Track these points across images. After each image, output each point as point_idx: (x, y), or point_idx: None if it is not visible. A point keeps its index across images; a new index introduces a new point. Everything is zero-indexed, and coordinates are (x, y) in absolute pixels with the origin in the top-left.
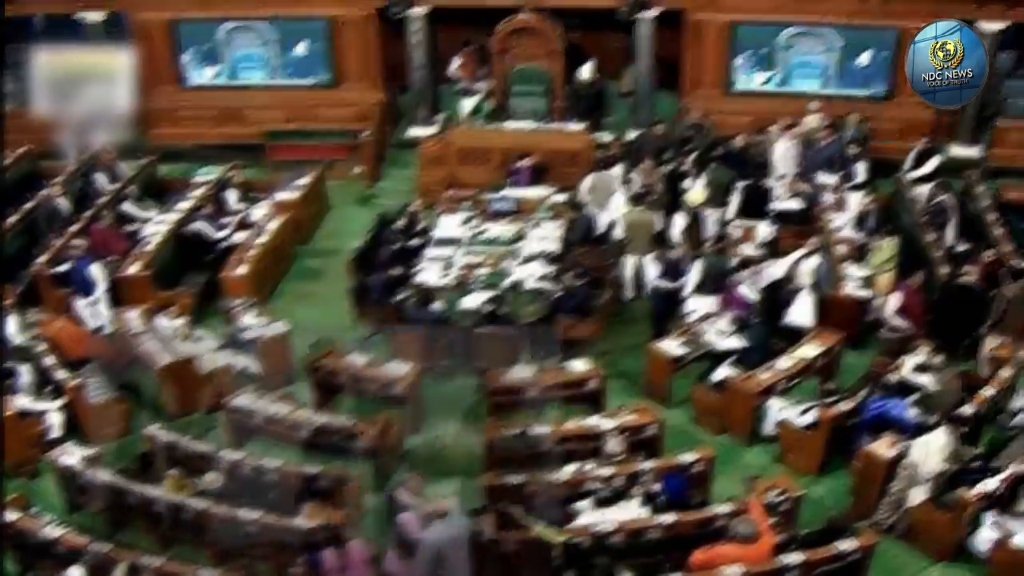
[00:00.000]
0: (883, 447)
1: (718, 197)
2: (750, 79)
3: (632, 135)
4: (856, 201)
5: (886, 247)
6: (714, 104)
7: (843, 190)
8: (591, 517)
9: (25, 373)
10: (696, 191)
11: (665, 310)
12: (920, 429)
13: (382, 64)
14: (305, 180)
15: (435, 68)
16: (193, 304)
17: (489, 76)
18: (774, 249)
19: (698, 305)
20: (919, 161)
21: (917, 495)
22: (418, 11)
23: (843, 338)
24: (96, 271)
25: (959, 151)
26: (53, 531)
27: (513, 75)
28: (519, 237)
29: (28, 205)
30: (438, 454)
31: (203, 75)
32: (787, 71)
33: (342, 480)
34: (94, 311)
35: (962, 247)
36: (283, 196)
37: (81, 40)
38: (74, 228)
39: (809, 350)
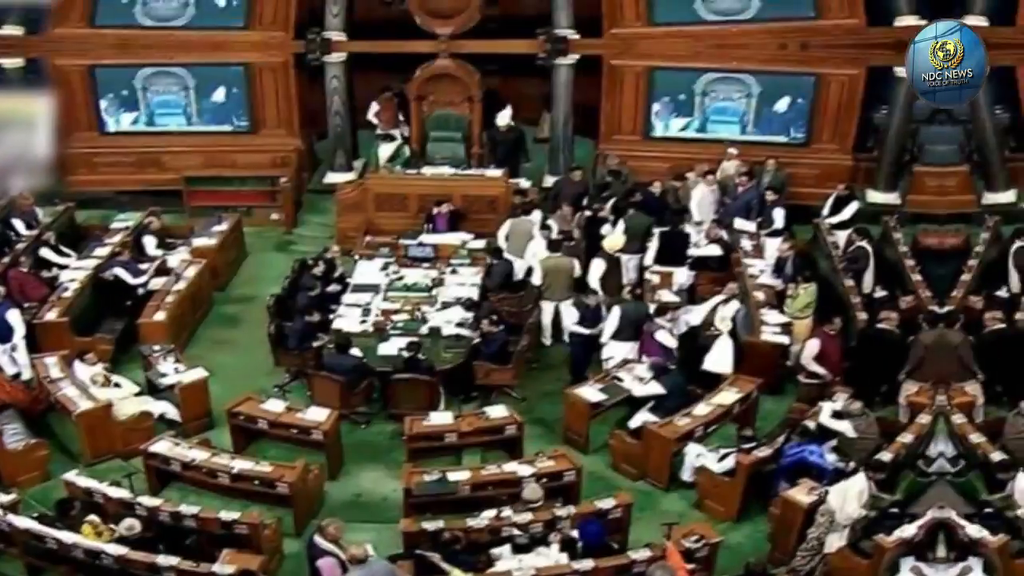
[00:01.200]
0: (801, 493)
1: (636, 243)
2: (668, 125)
3: (550, 181)
4: (774, 247)
5: (804, 293)
6: (632, 150)
7: (761, 236)
8: (508, 563)
9: None
10: (614, 237)
11: (583, 356)
12: (838, 475)
13: (300, 110)
14: (223, 226)
15: (353, 114)
16: (111, 350)
17: (407, 122)
18: (692, 295)
19: (616, 351)
20: (837, 207)
21: (835, 541)
22: (336, 57)
23: (761, 384)
24: (14, 317)
25: (877, 197)
26: None
27: (431, 121)
28: (437, 283)
29: None
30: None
31: (121, 121)
32: (705, 117)
33: (261, 526)
34: (12, 357)
35: (880, 293)
36: (201, 242)
37: None
38: None
39: (727, 396)
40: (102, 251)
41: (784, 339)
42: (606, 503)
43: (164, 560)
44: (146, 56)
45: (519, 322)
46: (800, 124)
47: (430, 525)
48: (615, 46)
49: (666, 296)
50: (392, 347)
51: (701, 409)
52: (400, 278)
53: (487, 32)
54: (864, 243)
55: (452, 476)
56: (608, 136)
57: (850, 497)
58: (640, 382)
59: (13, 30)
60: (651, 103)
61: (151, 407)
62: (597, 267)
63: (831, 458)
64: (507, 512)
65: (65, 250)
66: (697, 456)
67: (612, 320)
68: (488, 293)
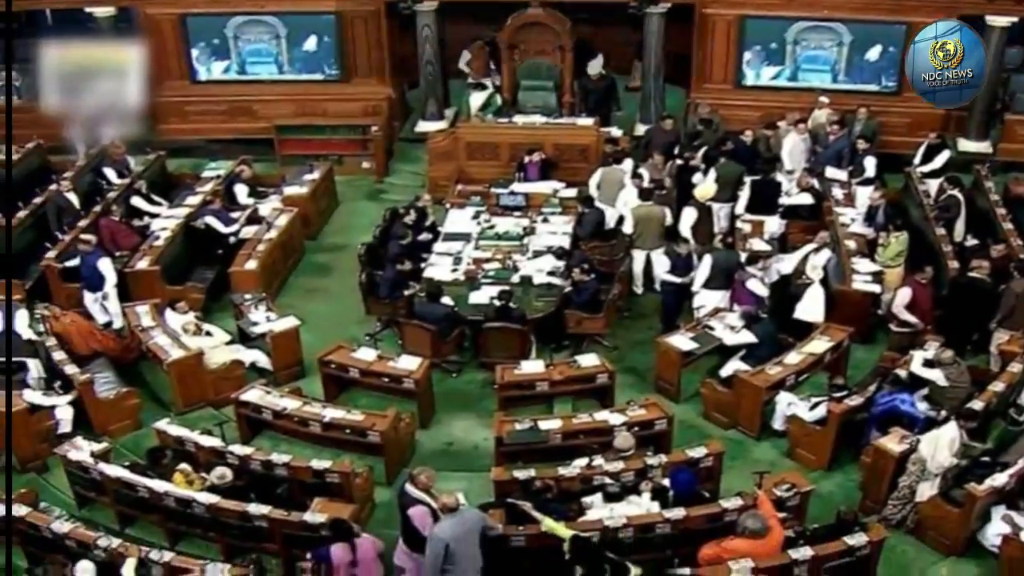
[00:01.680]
0: (892, 441)
1: (727, 192)
2: (760, 73)
3: (641, 130)
4: (865, 196)
5: (895, 242)
6: (723, 98)
7: (852, 185)
8: (600, 512)
9: (35, 368)
10: (706, 186)
11: (675, 304)
12: (929, 424)
13: (391, 59)
14: (314, 175)
15: (444, 63)
16: (202, 299)
17: (498, 71)
18: (783, 244)
19: (708, 300)
20: (928, 156)
21: (926, 490)
22: (427, 6)
23: (852, 333)
24: (105, 266)
25: (968, 146)
26: (62, 525)
27: (522, 70)
28: (528, 232)
29: (37, 200)
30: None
31: (212, 70)
32: (797, 65)
33: (352, 474)
34: (104, 306)
35: (971, 242)
36: (292, 191)
37: (91, 35)
38: (83, 223)
39: (818, 345)
40: (193, 199)
41: (875, 288)
42: (697, 452)
43: (255, 509)
44: (237, 4)
45: (610, 271)
46: (891, 72)
47: (521, 474)
48: None
49: (757, 244)
50: (483, 296)
51: (792, 358)
52: (491, 227)
53: None
54: (955, 192)
55: (543, 425)
56: (699, 85)
57: (941, 446)
58: (731, 331)
59: None
60: (742, 51)
61: (242, 356)
62: (688, 216)
63: (922, 407)
64: (598, 461)
65: (156, 199)
66: (788, 405)
67: (703, 269)
68: (579, 242)
